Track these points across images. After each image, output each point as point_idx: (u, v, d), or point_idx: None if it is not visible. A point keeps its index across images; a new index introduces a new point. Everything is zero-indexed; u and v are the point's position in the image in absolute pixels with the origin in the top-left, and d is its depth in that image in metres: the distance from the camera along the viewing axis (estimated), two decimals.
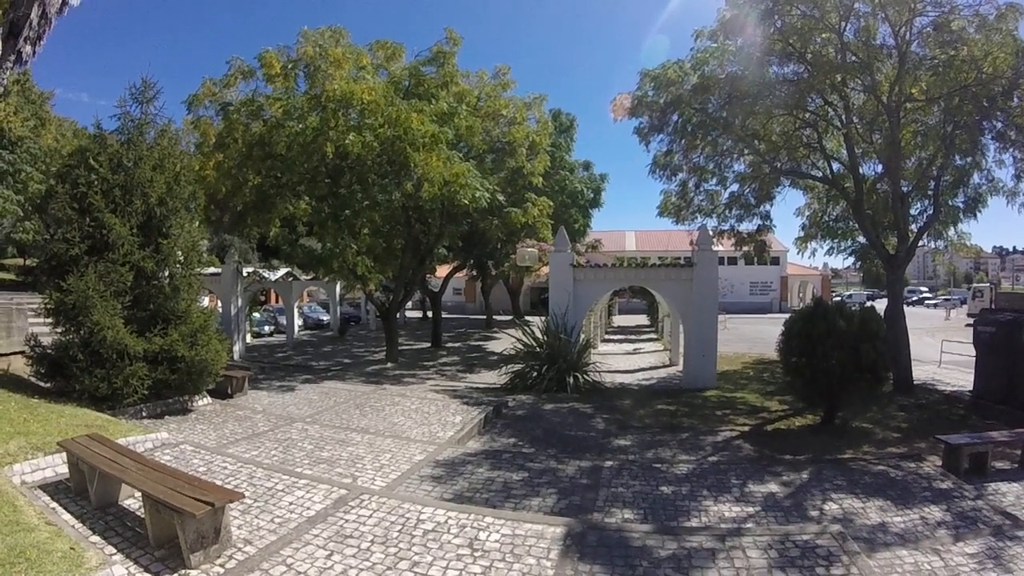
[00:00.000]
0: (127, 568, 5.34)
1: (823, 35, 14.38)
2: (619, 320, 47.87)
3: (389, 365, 21.80)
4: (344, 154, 17.10)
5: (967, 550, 6.16)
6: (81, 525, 6.34)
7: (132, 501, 6.95)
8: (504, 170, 22.56)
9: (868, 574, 5.54)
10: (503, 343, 23.88)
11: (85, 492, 7.01)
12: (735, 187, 19.33)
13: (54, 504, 6.86)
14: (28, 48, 15.15)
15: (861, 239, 19.20)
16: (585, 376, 16.38)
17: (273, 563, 5.66)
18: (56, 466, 7.84)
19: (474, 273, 41.16)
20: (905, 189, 16.05)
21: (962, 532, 6.62)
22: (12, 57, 14.72)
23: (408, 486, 8.12)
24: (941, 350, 21.42)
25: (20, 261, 47.16)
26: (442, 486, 8.16)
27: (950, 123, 14.33)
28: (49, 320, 11.80)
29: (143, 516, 6.16)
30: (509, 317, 45.70)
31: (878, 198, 17.46)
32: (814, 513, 7.25)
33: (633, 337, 35.50)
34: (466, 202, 18.03)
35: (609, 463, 9.43)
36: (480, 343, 32.20)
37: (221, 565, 5.59)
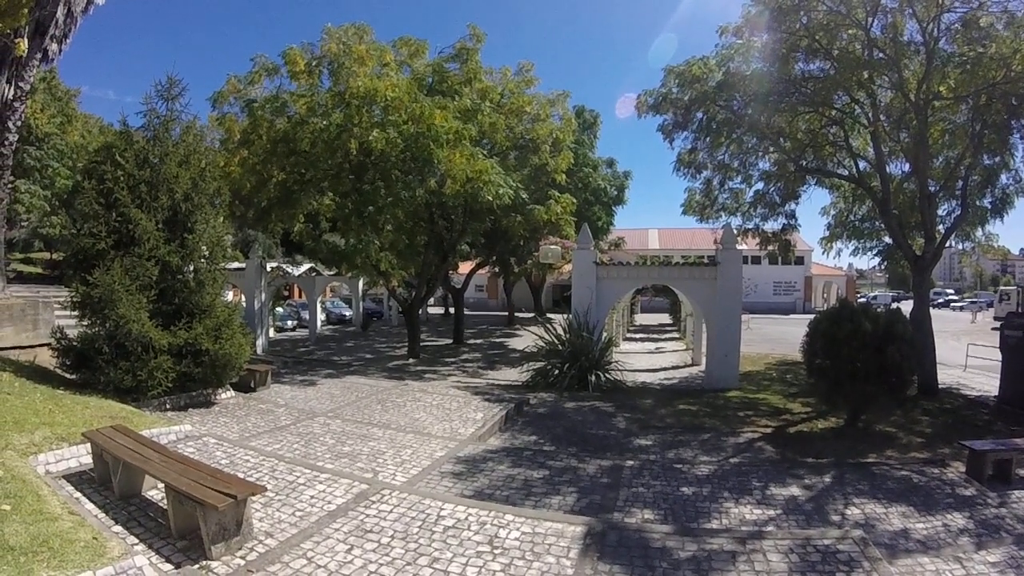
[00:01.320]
0: (149, 558, 5.39)
1: (849, 31, 14.22)
2: (641, 319, 47.68)
3: (411, 361, 21.90)
4: (368, 150, 17.16)
5: (989, 559, 6.06)
6: (104, 515, 6.43)
7: (155, 492, 7.03)
8: (527, 167, 22.57)
9: None
10: (525, 340, 23.87)
11: (108, 483, 7.10)
12: (760, 185, 19.15)
13: (77, 494, 6.97)
14: (54, 46, 15.41)
15: (887, 239, 18.92)
16: (607, 375, 16.31)
17: (294, 556, 5.70)
18: (80, 456, 7.96)
19: (497, 270, 41.15)
20: (932, 189, 15.80)
21: (985, 540, 6.51)
22: (38, 55, 14.99)
23: (429, 482, 8.15)
24: (967, 354, 21.11)
25: (46, 255, 47.96)
26: (463, 483, 8.18)
27: (978, 122, 14.10)
28: (75, 313, 12.02)
29: (165, 507, 6.23)
30: (531, 314, 45.67)
31: (905, 198, 17.24)
32: (836, 518, 7.17)
33: (655, 336, 35.29)
34: (489, 199, 18.03)
35: (630, 463, 9.39)
36: (502, 340, 32.22)
37: (242, 557, 5.64)
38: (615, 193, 36.80)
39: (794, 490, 8.12)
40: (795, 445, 10.68)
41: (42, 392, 10.18)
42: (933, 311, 16.82)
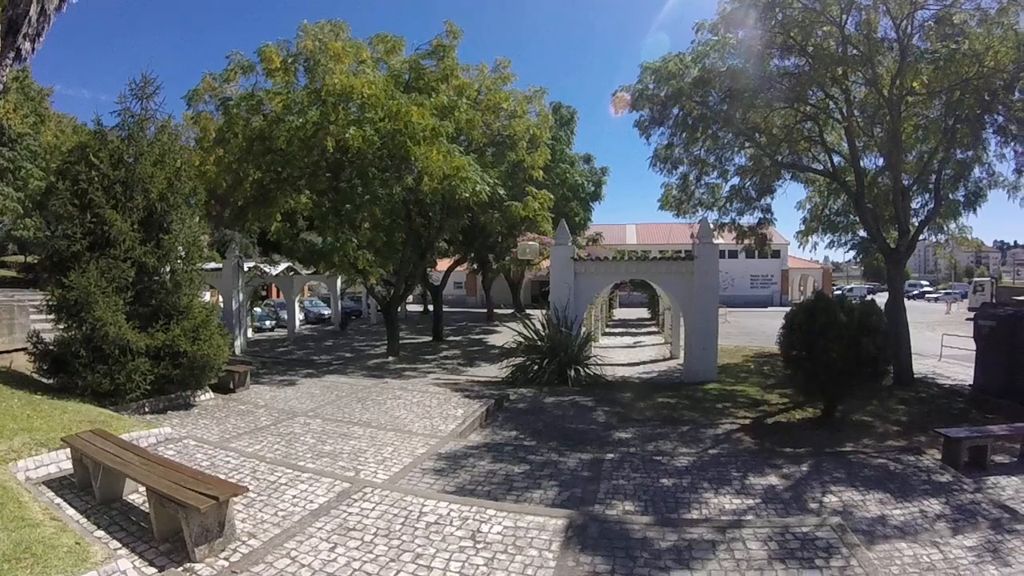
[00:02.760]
0: (132, 562, 5.38)
1: (824, 28, 14.39)
2: (620, 313, 47.82)
3: (390, 359, 21.86)
4: (344, 148, 17.11)
5: (966, 543, 6.19)
6: (86, 520, 6.39)
7: (136, 496, 7.01)
8: (505, 163, 22.52)
9: (867, 566, 5.55)
10: (504, 336, 23.95)
11: (89, 487, 7.06)
12: (736, 180, 19.33)
13: (59, 500, 6.91)
14: (27, 45, 15.16)
15: (862, 233, 19.22)
16: (586, 369, 16.44)
17: (277, 556, 5.71)
18: (60, 462, 7.88)
19: (475, 267, 41.14)
20: (906, 183, 16.07)
21: (961, 525, 6.65)
22: (11, 54, 14.74)
23: (410, 479, 8.17)
24: (941, 344, 21.43)
25: (21, 258, 47.24)
26: (444, 479, 8.22)
27: (951, 117, 14.32)
28: (51, 317, 11.87)
29: (147, 511, 6.21)
30: (510, 311, 45.66)
31: (879, 192, 17.47)
32: (814, 505, 7.29)
33: (634, 330, 35.43)
34: (467, 196, 18.02)
35: (610, 456, 9.46)
36: (481, 337, 32.23)
37: (226, 558, 5.63)
38: (592, 189, 36.78)
39: (772, 479, 8.24)
40: (773, 435, 10.84)
41: (19, 398, 10.06)
42: (908, 302, 17.09)
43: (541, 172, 23.07)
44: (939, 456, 9.09)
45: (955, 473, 8.40)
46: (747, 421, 12.00)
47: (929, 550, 6.04)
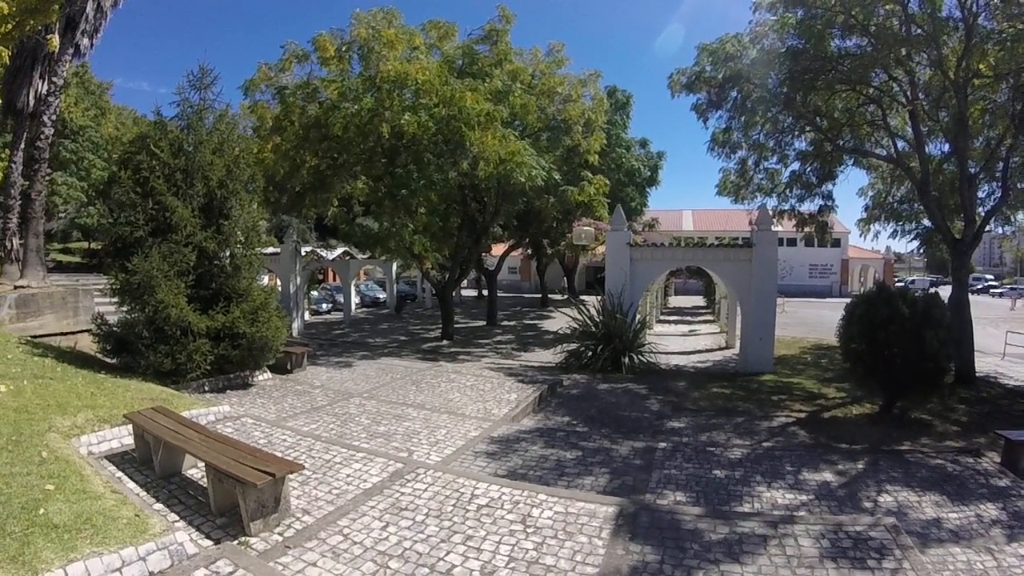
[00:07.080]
0: (189, 535, 5.53)
1: (887, 6, 13.87)
2: (675, 301, 47.38)
3: (445, 342, 22.08)
4: (400, 134, 17.21)
5: (1021, 551, 5.98)
6: (145, 493, 6.64)
7: (195, 471, 7.23)
8: (560, 148, 22.42)
9: (920, 570, 5.36)
10: (558, 322, 23.95)
11: (149, 462, 7.31)
12: (796, 165, 18.78)
13: (119, 473, 7.17)
14: (85, 41, 15.77)
15: (926, 222, 18.53)
16: (640, 357, 16.34)
17: (330, 532, 5.82)
18: (122, 437, 8.16)
19: (529, 252, 41.13)
20: (973, 170, 15.43)
21: (1017, 532, 6.42)
22: (70, 50, 15.36)
23: (463, 461, 8.26)
24: (1005, 341, 20.66)
25: (84, 244, 48.94)
26: (496, 462, 8.28)
27: (1019, 101, 13.70)
28: (115, 299, 12.26)
29: (205, 485, 6.41)
30: (564, 296, 45.54)
31: (944, 179, 16.85)
32: (868, 504, 7.13)
33: (689, 318, 35.07)
34: (522, 180, 18.02)
35: (663, 445, 9.40)
36: (535, 322, 32.29)
37: (280, 533, 5.77)
38: (648, 174, 36.26)
39: (827, 475, 8.08)
40: (829, 430, 10.62)
41: (83, 376, 10.42)
42: (972, 297, 16.45)
43: (596, 157, 22.91)
44: (998, 459, 8.76)
45: (1014, 478, 8.07)
46: (803, 415, 11.78)
47: (983, 556, 5.86)
